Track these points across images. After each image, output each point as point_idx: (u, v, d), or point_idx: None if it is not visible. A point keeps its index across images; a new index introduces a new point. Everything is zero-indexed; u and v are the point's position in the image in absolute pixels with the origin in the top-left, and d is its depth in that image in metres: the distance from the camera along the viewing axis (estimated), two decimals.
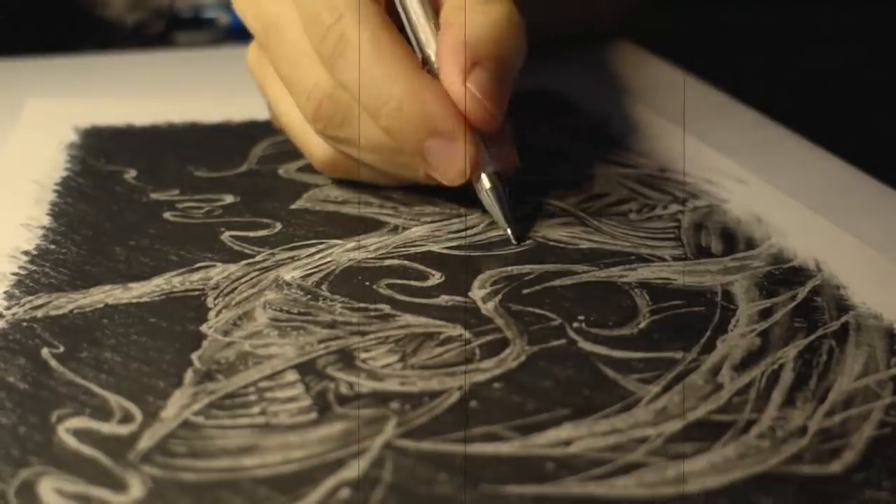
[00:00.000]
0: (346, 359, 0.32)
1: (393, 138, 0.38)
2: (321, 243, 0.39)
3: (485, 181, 0.39)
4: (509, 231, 0.39)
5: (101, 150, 0.47)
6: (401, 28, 0.40)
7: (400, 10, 0.40)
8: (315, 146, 0.42)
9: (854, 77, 0.61)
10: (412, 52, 0.39)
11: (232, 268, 0.37)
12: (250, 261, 0.37)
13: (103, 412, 0.29)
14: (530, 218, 0.41)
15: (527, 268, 0.37)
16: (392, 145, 0.39)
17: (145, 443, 0.28)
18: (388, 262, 0.37)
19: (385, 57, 0.38)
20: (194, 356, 0.32)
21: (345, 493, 0.26)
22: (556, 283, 0.36)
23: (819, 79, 0.61)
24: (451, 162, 0.38)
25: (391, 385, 0.31)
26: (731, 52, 0.63)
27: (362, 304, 0.35)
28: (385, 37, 0.38)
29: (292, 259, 0.38)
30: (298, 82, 0.41)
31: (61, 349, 0.32)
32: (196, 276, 0.36)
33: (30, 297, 0.35)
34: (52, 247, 0.38)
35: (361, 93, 0.38)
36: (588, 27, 0.61)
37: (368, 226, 0.40)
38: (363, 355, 0.32)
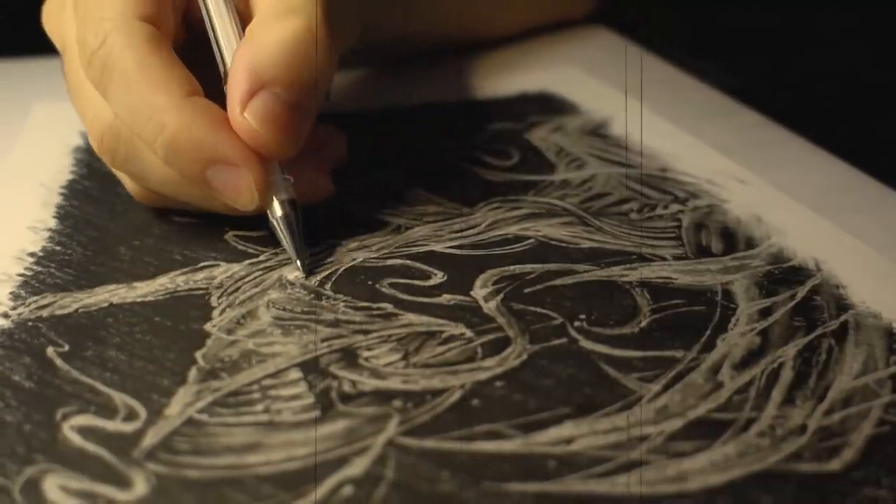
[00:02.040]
0: (349, 357, 0.32)
1: (174, 169, 0.36)
2: (324, 243, 0.39)
3: (276, 208, 0.37)
4: (298, 263, 0.37)
5: None
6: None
7: (207, 25, 0.38)
8: (124, 178, 0.40)
9: (856, 79, 0.61)
10: (187, 76, 0.36)
11: (235, 267, 0.37)
12: (254, 260, 0.38)
13: (108, 410, 0.29)
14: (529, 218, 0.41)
15: (528, 267, 0.37)
16: (179, 177, 0.36)
17: (149, 440, 0.28)
18: (390, 262, 0.38)
19: (153, 83, 0.35)
20: (198, 354, 0.32)
21: (348, 490, 0.26)
22: (558, 282, 0.36)
23: (821, 81, 0.61)
24: (237, 189, 0.35)
25: (393, 383, 0.31)
26: (732, 54, 0.63)
27: (365, 303, 0.35)
28: (154, 60, 0.35)
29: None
30: (82, 112, 0.38)
31: (66, 348, 0.32)
32: (200, 275, 0.37)
33: (35, 297, 0.35)
34: (58, 248, 0.38)
35: (133, 123, 0.35)
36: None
37: (371, 225, 0.40)
38: (366, 354, 0.32)
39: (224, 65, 0.37)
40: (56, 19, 0.41)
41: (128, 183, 0.40)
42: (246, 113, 0.35)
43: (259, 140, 0.35)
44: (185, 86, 0.35)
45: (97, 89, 0.36)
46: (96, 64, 0.36)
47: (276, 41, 0.35)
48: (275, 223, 0.37)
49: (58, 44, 0.41)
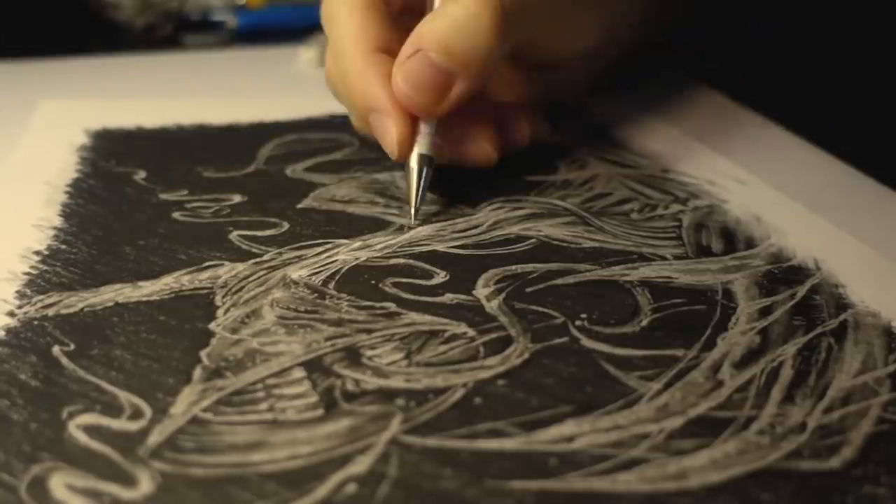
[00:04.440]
0: (353, 356, 0.32)
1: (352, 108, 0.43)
2: (328, 242, 0.39)
3: (412, 160, 0.41)
4: (412, 211, 0.41)
5: (111, 152, 0.47)
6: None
7: None
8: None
9: (855, 80, 0.61)
10: (379, 34, 0.42)
11: (240, 266, 0.37)
12: (258, 260, 0.38)
13: (113, 408, 0.30)
14: (532, 217, 0.41)
15: (530, 266, 0.37)
16: None
17: (155, 438, 0.28)
18: (393, 261, 0.38)
19: (349, 36, 0.42)
20: (203, 353, 0.32)
21: (351, 488, 0.27)
22: (559, 281, 0.37)
23: (820, 82, 0.61)
24: (384, 136, 0.41)
25: (396, 382, 0.31)
26: (740, 58, 0.63)
27: (368, 303, 0.35)
28: (356, 17, 0.42)
29: (299, 258, 0.38)
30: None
31: (72, 347, 0.32)
32: (204, 274, 0.37)
33: (41, 296, 0.35)
34: (63, 247, 0.38)
35: (333, 64, 0.43)
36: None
37: (374, 225, 0.41)
38: (369, 353, 0.32)
39: None
40: None
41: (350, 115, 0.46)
42: (400, 70, 0.40)
43: (404, 97, 0.40)
44: (374, 42, 0.42)
45: (326, 32, 0.44)
46: (324, 15, 0.44)
47: (444, 14, 0.40)
48: (407, 173, 0.41)
49: None
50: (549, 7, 0.44)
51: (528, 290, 0.36)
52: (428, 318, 0.34)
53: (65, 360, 0.32)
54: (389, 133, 0.41)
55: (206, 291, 0.36)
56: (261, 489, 0.27)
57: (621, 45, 0.52)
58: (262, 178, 0.45)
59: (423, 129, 0.41)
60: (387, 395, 0.30)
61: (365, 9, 0.42)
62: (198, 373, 0.31)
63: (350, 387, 0.31)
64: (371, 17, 0.42)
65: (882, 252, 0.39)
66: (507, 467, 0.28)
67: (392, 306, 0.35)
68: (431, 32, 0.40)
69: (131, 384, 0.31)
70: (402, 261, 0.38)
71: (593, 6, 0.46)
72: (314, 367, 0.32)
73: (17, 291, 0.35)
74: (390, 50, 0.41)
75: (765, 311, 0.35)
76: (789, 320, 0.34)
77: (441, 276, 0.37)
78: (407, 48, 0.40)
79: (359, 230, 0.40)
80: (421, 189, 0.41)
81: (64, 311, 0.34)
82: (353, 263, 0.38)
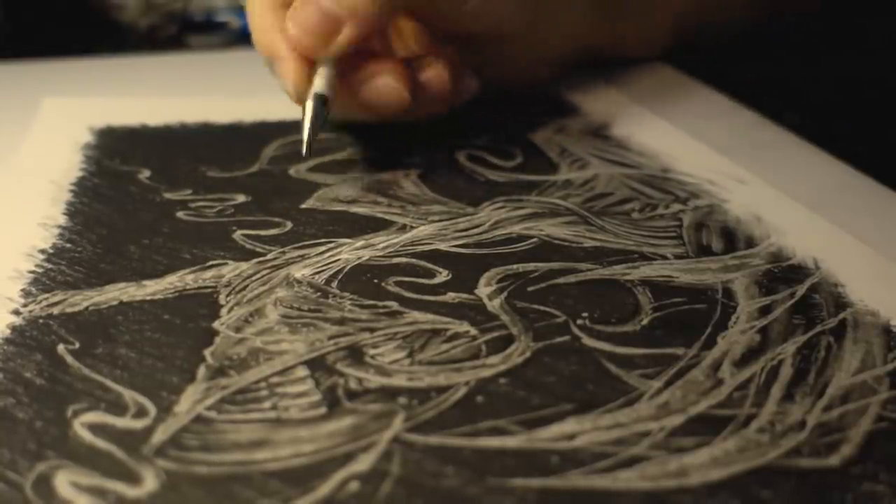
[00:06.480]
0: (355, 355, 0.32)
1: None
2: (331, 242, 0.39)
3: (308, 98, 0.43)
4: (303, 147, 0.42)
5: (115, 150, 0.48)
6: None
7: None
8: None
9: (855, 80, 0.61)
10: None
11: (243, 266, 0.37)
12: (261, 259, 0.38)
13: (118, 407, 0.30)
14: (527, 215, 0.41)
15: (532, 266, 0.38)
16: None
17: (159, 437, 0.28)
18: (396, 261, 0.38)
19: None
20: (207, 352, 0.32)
21: (354, 486, 0.27)
22: (561, 280, 0.37)
23: (821, 82, 0.61)
24: (283, 80, 0.44)
25: (399, 380, 0.31)
26: (754, 58, 0.63)
27: (371, 302, 0.35)
28: None
29: (302, 257, 0.38)
30: None
31: (77, 345, 0.33)
32: (208, 273, 0.37)
33: (46, 295, 0.35)
34: (68, 245, 0.39)
35: (250, 23, 0.46)
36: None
37: (377, 225, 0.41)
38: (372, 351, 0.32)
39: None
40: None
41: None
42: (291, 15, 0.43)
43: (293, 40, 0.43)
44: None
45: None
46: None
47: None
48: (302, 110, 0.43)
49: None
50: None
51: (530, 289, 0.36)
52: (430, 316, 0.34)
53: (69, 359, 0.32)
54: (287, 76, 0.43)
55: (209, 290, 0.36)
56: (264, 487, 0.27)
57: (573, 38, 0.53)
58: (265, 178, 0.46)
59: (320, 71, 0.43)
60: (389, 393, 0.30)
61: None
62: (202, 371, 0.31)
63: (353, 385, 0.31)
64: None
65: (882, 252, 0.39)
66: (508, 465, 0.28)
67: (394, 305, 0.35)
68: None
69: (136, 383, 0.31)
70: (404, 260, 0.38)
71: None
72: (317, 365, 0.32)
73: (23, 290, 0.36)
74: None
75: (765, 310, 0.35)
76: (789, 319, 0.35)
77: (443, 275, 0.37)
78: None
79: (361, 230, 0.40)
80: (312, 125, 0.42)
81: (69, 310, 0.34)
82: (356, 262, 0.38)
